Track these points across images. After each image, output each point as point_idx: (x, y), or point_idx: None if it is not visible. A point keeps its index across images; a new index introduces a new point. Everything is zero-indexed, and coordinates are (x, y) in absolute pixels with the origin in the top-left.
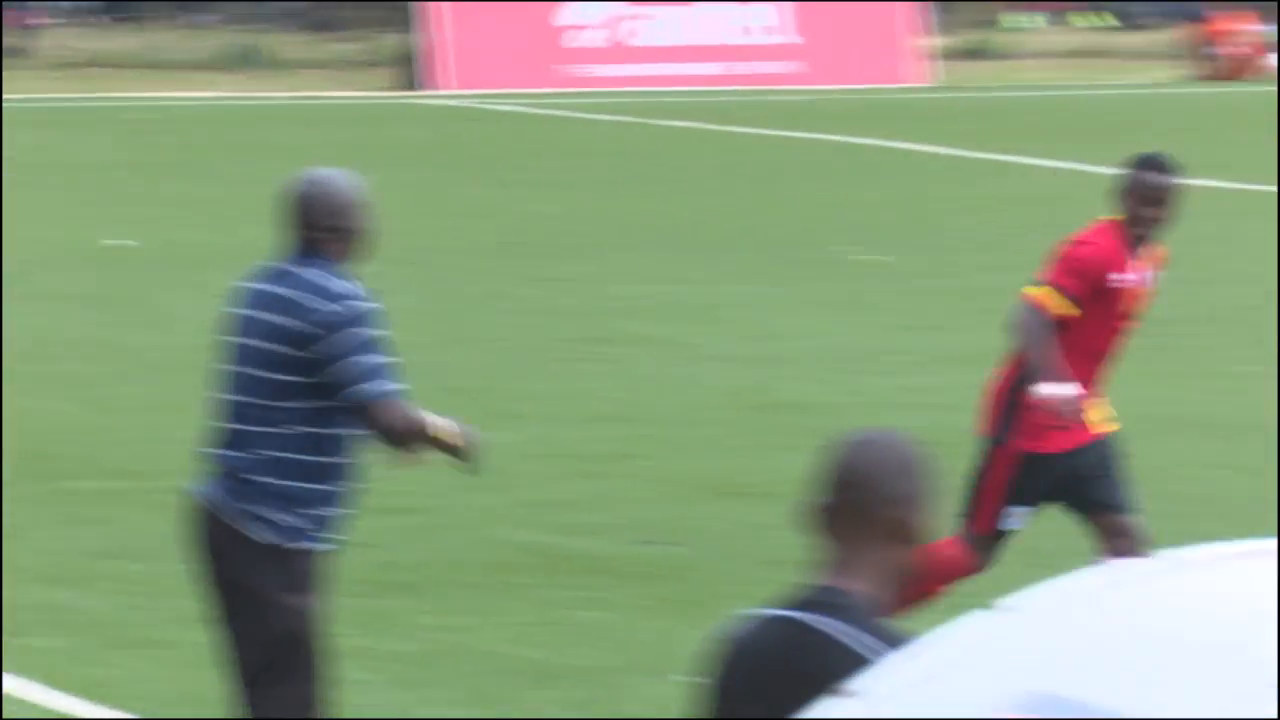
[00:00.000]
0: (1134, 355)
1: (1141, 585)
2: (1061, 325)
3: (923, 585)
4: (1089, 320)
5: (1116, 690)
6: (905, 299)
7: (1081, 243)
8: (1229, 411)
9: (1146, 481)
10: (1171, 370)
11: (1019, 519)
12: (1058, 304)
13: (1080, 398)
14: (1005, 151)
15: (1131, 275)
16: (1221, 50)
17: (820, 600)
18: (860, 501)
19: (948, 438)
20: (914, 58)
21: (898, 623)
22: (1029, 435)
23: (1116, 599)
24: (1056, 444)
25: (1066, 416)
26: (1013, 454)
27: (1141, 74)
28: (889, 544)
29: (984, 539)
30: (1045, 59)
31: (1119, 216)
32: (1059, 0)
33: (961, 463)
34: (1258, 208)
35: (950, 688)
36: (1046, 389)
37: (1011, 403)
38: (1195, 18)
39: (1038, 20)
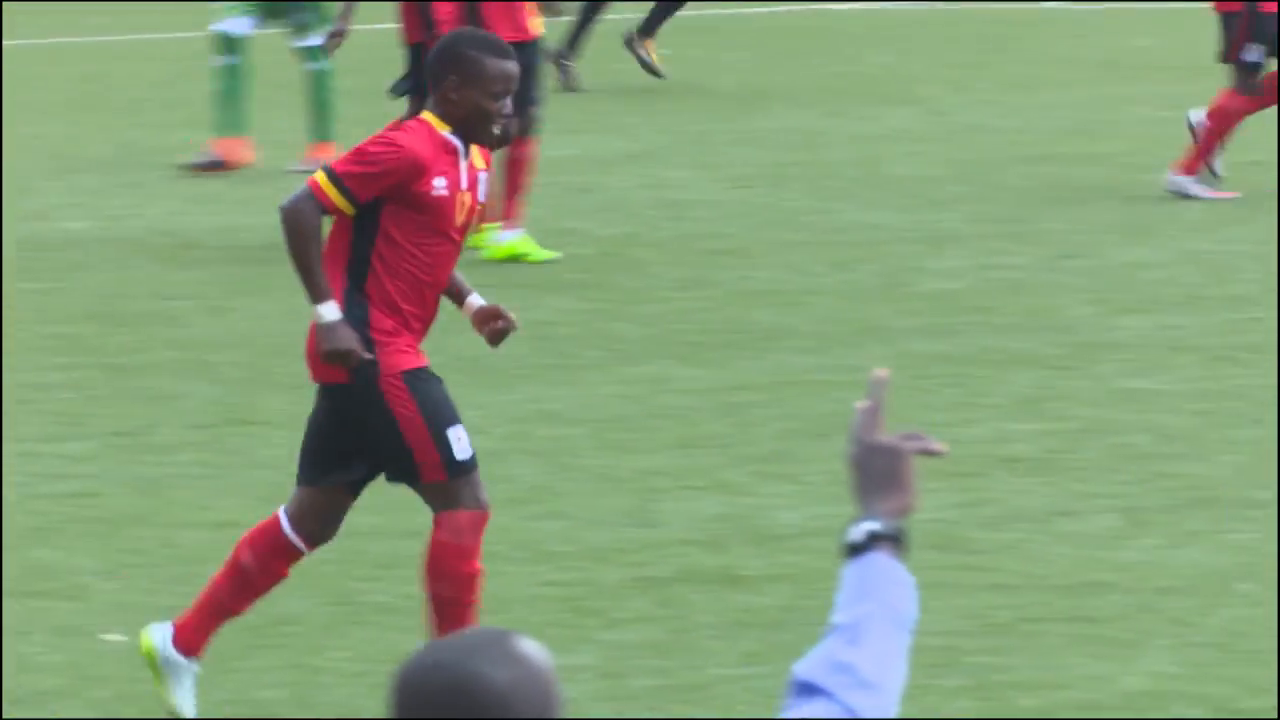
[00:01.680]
0: None
1: None
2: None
3: (464, 579)
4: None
5: None
6: None
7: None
8: None
9: None
10: None
11: (466, 439)
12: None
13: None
14: None
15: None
16: None
17: None
18: None
19: None
20: None
21: None
22: (397, 356)
23: None
24: (420, 359)
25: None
26: (398, 377)
27: None
28: None
29: (450, 483)
30: None
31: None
32: None
33: None
34: None
35: None
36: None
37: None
38: None
39: None
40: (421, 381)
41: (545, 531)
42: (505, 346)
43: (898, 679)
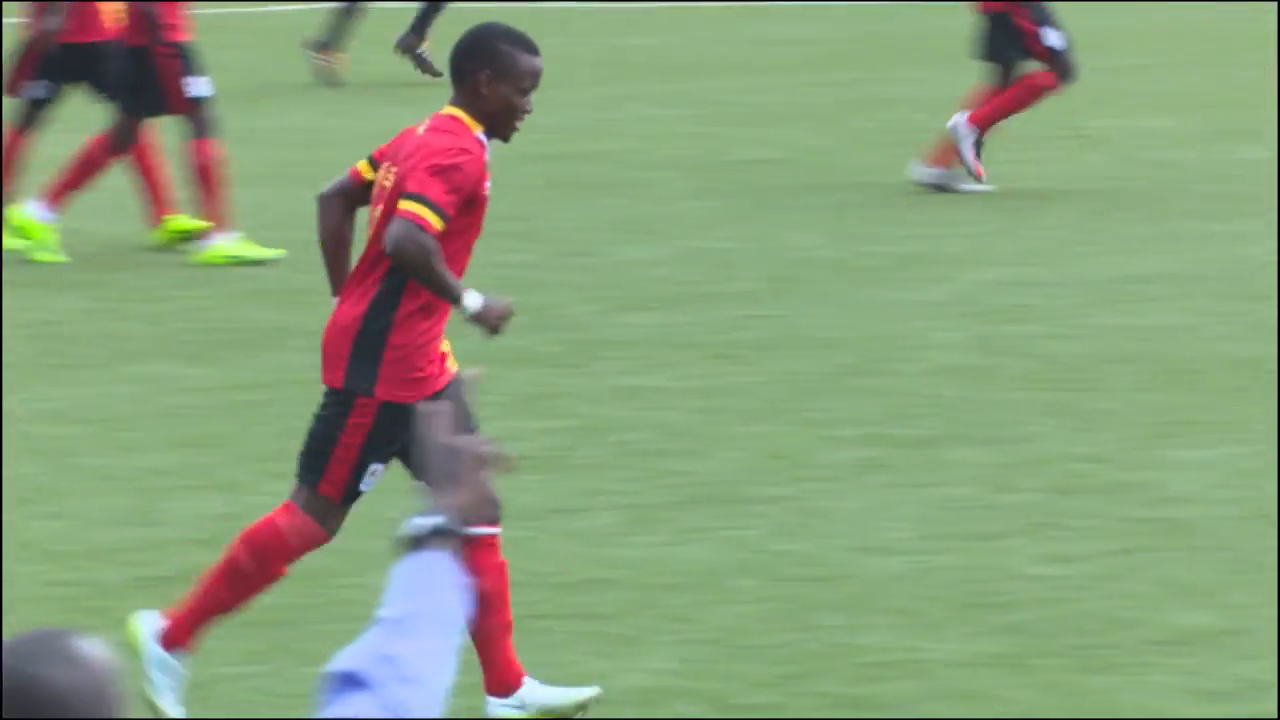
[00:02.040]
0: None
1: None
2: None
3: (267, 569)
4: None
5: None
6: None
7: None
8: None
9: None
10: None
11: (376, 478)
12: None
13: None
14: None
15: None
16: None
17: None
18: None
19: None
20: None
21: None
22: (395, 383)
23: None
24: (419, 391)
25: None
26: (374, 405)
27: None
28: None
29: (334, 503)
30: None
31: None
32: None
33: None
34: None
35: None
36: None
37: (370, 346)
38: None
39: None
40: (387, 422)
41: (48, 531)
42: (6, 345)
43: (444, 679)
